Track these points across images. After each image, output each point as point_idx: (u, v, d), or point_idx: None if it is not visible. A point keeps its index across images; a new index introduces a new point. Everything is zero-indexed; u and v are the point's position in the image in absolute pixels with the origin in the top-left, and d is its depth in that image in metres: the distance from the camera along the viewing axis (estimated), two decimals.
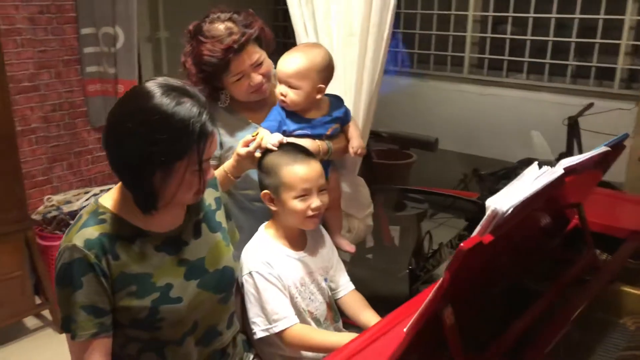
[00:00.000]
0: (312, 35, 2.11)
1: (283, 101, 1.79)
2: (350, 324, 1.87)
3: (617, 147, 1.41)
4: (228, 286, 1.49)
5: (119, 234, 1.30)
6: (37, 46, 3.15)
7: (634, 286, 1.45)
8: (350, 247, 2.00)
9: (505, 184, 2.48)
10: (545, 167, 1.17)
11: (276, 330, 1.58)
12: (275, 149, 1.66)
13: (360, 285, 1.87)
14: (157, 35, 3.55)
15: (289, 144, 1.70)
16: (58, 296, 1.29)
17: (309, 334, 1.61)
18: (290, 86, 1.77)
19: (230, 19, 1.74)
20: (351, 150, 1.91)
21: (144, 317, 1.31)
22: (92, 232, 1.27)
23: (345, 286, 1.82)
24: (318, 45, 1.86)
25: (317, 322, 1.71)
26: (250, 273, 1.61)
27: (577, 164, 1.20)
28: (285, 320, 1.59)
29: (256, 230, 1.77)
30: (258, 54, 1.77)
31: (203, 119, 1.23)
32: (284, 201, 1.63)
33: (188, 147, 1.23)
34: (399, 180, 3.37)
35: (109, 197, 1.35)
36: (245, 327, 1.69)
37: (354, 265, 3.07)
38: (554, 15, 4.13)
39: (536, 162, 1.18)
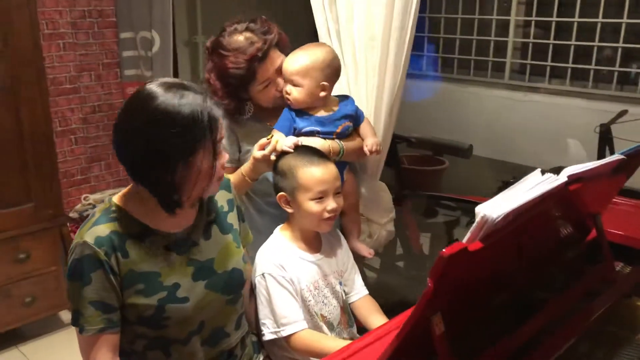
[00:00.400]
0: (334, 40, 2.11)
1: (288, 99, 1.80)
2: (365, 329, 1.85)
3: (634, 156, 1.35)
4: (236, 288, 1.49)
5: (129, 232, 1.32)
6: (78, 49, 3.27)
7: None
8: (369, 252, 1.99)
9: None
10: (547, 175, 1.13)
11: (284, 334, 1.59)
12: (291, 150, 1.67)
13: (389, 292, 1.85)
14: (194, 40, 3.63)
15: (304, 146, 1.71)
16: (69, 290, 1.33)
17: (316, 340, 1.60)
18: (294, 84, 1.78)
19: (247, 29, 1.76)
20: (365, 149, 1.89)
21: (150, 315, 1.33)
22: (103, 229, 1.30)
23: (358, 290, 1.80)
24: (322, 45, 1.87)
25: (331, 326, 1.71)
26: (262, 275, 1.62)
27: (582, 172, 1.15)
28: (293, 325, 1.59)
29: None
30: (280, 58, 1.79)
31: (208, 104, 1.26)
32: (300, 203, 1.63)
33: (202, 136, 1.25)
34: (430, 187, 3.32)
35: (122, 196, 1.37)
36: (257, 327, 1.70)
37: (384, 272, 3.06)
38: (600, 19, 4.00)
39: (539, 170, 1.14)
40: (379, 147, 1.91)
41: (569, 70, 4.21)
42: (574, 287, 1.34)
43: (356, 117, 1.91)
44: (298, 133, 1.80)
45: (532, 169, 3.20)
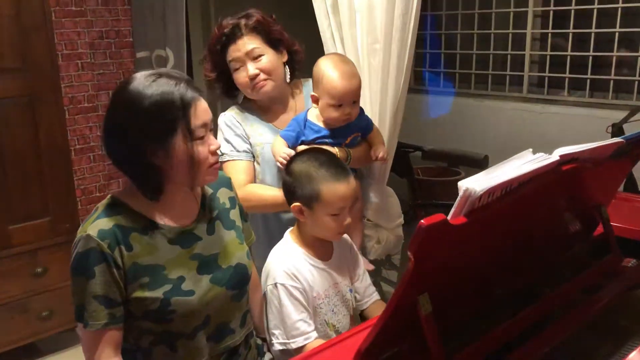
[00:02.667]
0: (338, 45, 2.12)
1: (349, 118, 1.81)
2: None
3: (636, 142, 1.31)
4: (241, 283, 1.48)
5: (132, 226, 1.32)
6: (96, 69, 3.36)
7: None
8: (369, 266, 1.95)
9: None
10: (539, 154, 1.10)
11: (294, 346, 1.55)
12: (281, 165, 1.69)
13: None
14: None
15: (323, 152, 1.67)
16: (72, 285, 1.32)
17: None
18: (355, 101, 1.80)
19: (244, 16, 1.82)
20: (373, 156, 1.89)
21: (155, 309, 1.32)
22: (106, 222, 1.30)
23: (370, 297, 1.77)
24: (343, 55, 1.88)
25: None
26: (275, 284, 1.57)
27: (576, 152, 1.12)
28: (304, 337, 1.55)
29: (277, 239, 1.77)
30: (257, 47, 1.81)
31: (181, 88, 1.26)
32: (316, 216, 1.58)
33: (174, 119, 1.25)
34: (444, 198, 3.27)
35: (125, 191, 1.39)
36: (263, 331, 1.68)
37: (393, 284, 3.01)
38: (617, 29, 3.95)
39: (530, 149, 1.12)
40: (386, 155, 1.90)
41: (588, 82, 4.16)
42: (576, 278, 1.29)
43: (366, 129, 1.91)
44: (307, 144, 1.80)
45: None
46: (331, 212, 1.57)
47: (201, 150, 1.31)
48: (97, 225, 1.30)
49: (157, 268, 1.34)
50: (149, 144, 1.27)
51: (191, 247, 1.40)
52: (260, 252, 1.78)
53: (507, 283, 1.27)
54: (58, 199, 2.81)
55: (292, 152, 1.70)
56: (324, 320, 1.64)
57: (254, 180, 1.89)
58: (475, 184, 0.95)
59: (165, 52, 3.28)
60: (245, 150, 1.88)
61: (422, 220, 0.88)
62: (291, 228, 1.73)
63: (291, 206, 1.62)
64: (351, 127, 1.85)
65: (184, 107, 1.26)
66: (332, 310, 1.66)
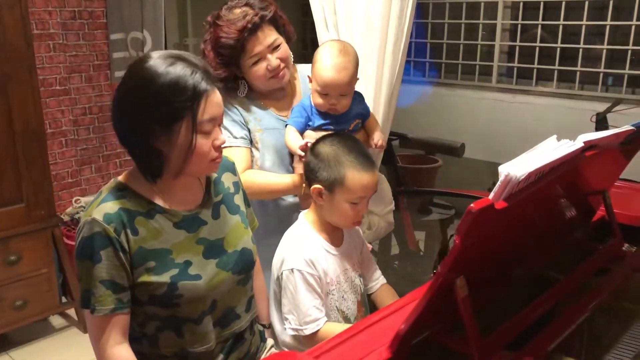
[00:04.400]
0: (332, 30, 2.11)
1: (335, 110, 1.79)
2: None
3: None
4: (247, 268, 1.48)
5: (137, 210, 1.30)
6: (68, 51, 3.24)
7: None
8: (367, 245, 1.97)
9: None
10: (564, 140, 1.13)
11: (306, 332, 1.55)
12: (302, 153, 1.67)
13: None
14: (185, 42, 3.62)
15: (351, 138, 1.66)
16: (78, 270, 1.30)
17: (334, 332, 1.56)
18: (344, 94, 1.78)
19: (246, 4, 1.77)
20: (372, 143, 1.89)
21: (162, 294, 1.31)
22: (112, 206, 1.28)
23: (377, 280, 1.78)
24: (347, 44, 1.83)
25: (348, 321, 1.68)
26: (292, 270, 1.56)
27: (597, 139, 1.16)
28: (316, 323, 1.55)
29: (275, 225, 1.77)
30: (274, 36, 1.78)
31: (196, 77, 1.23)
32: (336, 201, 1.57)
33: (183, 107, 1.23)
34: (424, 185, 3.33)
35: (128, 175, 1.36)
36: (271, 317, 1.69)
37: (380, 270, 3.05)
38: (584, 22, 4.08)
39: (554, 135, 1.15)
40: (384, 143, 1.91)
41: (556, 72, 4.29)
42: (587, 263, 1.34)
43: (365, 115, 1.91)
44: (312, 128, 1.80)
45: None
46: (351, 200, 1.56)
47: (204, 143, 1.29)
48: (102, 209, 1.27)
49: (164, 252, 1.32)
50: (154, 126, 1.24)
51: (197, 232, 1.38)
52: (258, 238, 1.77)
53: (524, 267, 1.30)
54: (33, 185, 2.71)
55: (310, 142, 1.68)
56: (335, 307, 1.65)
57: (251, 167, 1.87)
58: (515, 169, 0.96)
59: (143, 34, 3.20)
60: (243, 136, 1.86)
61: (472, 204, 0.89)
62: (305, 211, 1.72)
63: (311, 188, 1.61)
64: (353, 113, 1.86)
65: (194, 97, 1.23)
66: (342, 297, 1.66)
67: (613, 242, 1.47)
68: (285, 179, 1.82)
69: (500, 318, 1.16)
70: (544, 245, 1.40)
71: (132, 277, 1.30)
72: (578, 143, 1.12)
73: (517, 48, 4.47)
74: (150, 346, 1.39)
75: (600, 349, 1.20)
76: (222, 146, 1.60)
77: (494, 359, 1.03)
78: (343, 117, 1.84)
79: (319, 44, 2.16)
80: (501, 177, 0.97)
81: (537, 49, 4.35)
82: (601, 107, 3.86)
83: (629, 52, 3.92)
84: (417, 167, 3.49)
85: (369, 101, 2.05)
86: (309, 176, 1.63)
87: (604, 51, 4.04)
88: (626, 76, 3.98)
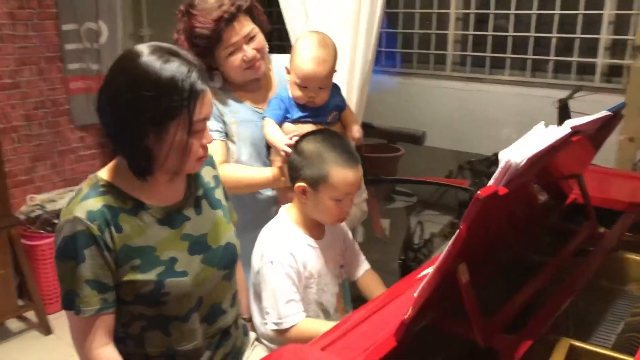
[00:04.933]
0: (303, 20, 2.09)
1: (314, 102, 1.77)
2: None
3: (616, 116, 1.42)
4: (231, 263, 1.46)
5: (121, 207, 1.27)
6: (17, 42, 3.09)
7: (637, 253, 1.45)
8: None
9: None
10: (551, 126, 1.16)
11: (285, 326, 1.55)
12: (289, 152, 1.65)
13: None
14: (140, 33, 3.51)
15: (335, 135, 1.65)
16: (60, 272, 1.25)
17: (312, 328, 1.55)
18: (323, 87, 1.76)
19: None
20: (350, 136, 1.90)
21: (148, 292, 1.27)
22: (94, 203, 1.23)
23: (361, 266, 1.78)
24: (326, 36, 1.81)
25: (327, 313, 1.68)
26: (272, 262, 1.55)
27: (582, 124, 1.19)
28: (293, 317, 1.55)
29: (252, 219, 1.75)
30: (250, 26, 1.75)
31: (192, 77, 1.20)
32: (320, 198, 1.56)
33: (178, 107, 1.19)
34: (388, 174, 3.36)
35: (108, 171, 1.32)
36: (251, 310, 1.67)
37: None
38: (534, 11, 4.19)
39: (542, 122, 1.17)
40: (362, 136, 1.91)
41: (508, 61, 4.40)
42: (569, 245, 1.38)
43: (342, 107, 1.91)
44: (291, 121, 1.78)
45: (479, 156, 3.28)
46: (335, 197, 1.55)
47: (195, 143, 1.26)
48: (84, 206, 1.23)
49: (148, 249, 1.28)
50: (147, 126, 1.20)
51: (181, 227, 1.35)
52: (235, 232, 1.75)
53: (507, 251, 1.33)
54: None
55: (293, 141, 1.67)
56: (314, 300, 1.65)
57: (227, 160, 1.84)
58: (515, 155, 0.98)
59: (97, 25, 3.09)
60: (218, 129, 1.82)
61: (478, 192, 0.91)
62: (286, 206, 1.71)
63: (295, 186, 1.59)
64: (331, 105, 1.85)
65: (190, 97, 1.20)
66: (322, 290, 1.66)
67: (588, 224, 1.52)
68: (263, 173, 1.80)
69: (490, 302, 1.19)
70: (525, 229, 1.43)
71: (117, 276, 1.26)
72: (566, 129, 1.15)
73: (471, 37, 4.55)
74: (135, 346, 1.36)
75: (587, 327, 1.25)
76: None
77: (495, 342, 1.04)
78: (321, 109, 1.83)
79: (290, 33, 2.15)
80: (502, 164, 0.98)
81: (490, 38, 4.44)
82: (555, 93, 4.00)
83: (577, 40, 4.06)
84: (381, 156, 3.52)
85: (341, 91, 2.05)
86: (292, 174, 1.62)
87: (553, 39, 4.17)
88: (575, 63, 4.12)
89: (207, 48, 1.73)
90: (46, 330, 2.95)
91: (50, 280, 3.09)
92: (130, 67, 1.19)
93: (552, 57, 4.19)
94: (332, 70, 1.78)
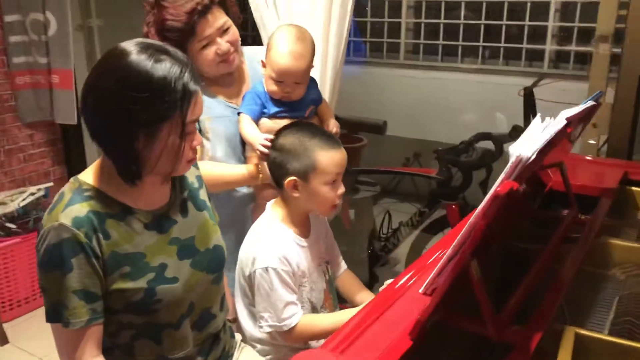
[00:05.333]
0: (272, 10, 2.04)
1: (290, 97, 1.74)
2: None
3: (596, 105, 1.45)
4: (220, 266, 1.43)
5: (107, 212, 1.21)
6: None
7: (617, 238, 1.49)
8: None
9: (466, 158, 2.52)
10: (548, 119, 1.17)
11: (286, 328, 1.53)
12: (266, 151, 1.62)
13: None
14: (89, 24, 3.36)
15: (308, 124, 1.65)
16: (44, 283, 1.19)
17: (311, 323, 1.57)
18: (300, 82, 1.73)
19: None
20: (327, 129, 1.88)
21: (139, 300, 1.23)
22: (80, 209, 1.17)
23: (340, 266, 1.79)
24: (304, 30, 1.77)
25: (315, 310, 1.67)
26: (266, 268, 1.52)
27: (575, 114, 1.21)
28: (293, 317, 1.53)
29: (228, 217, 1.71)
30: (224, 19, 1.71)
31: (185, 77, 1.15)
32: (313, 187, 1.54)
33: (171, 108, 1.14)
34: (352, 164, 3.35)
35: (89, 174, 1.25)
36: (238, 313, 1.65)
37: None
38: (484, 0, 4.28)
39: (539, 115, 1.18)
40: (339, 129, 1.89)
41: (460, 48, 4.47)
42: (559, 233, 1.40)
43: (318, 101, 1.88)
44: (267, 116, 1.76)
45: (438, 144, 3.31)
46: (328, 181, 1.54)
47: (185, 146, 1.22)
48: (69, 212, 1.16)
49: (138, 256, 1.24)
50: (138, 128, 1.15)
51: (168, 232, 1.31)
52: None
53: (499, 241, 1.35)
54: None
55: (271, 137, 1.63)
56: (307, 298, 1.64)
57: (202, 157, 1.79)
58: (525, 149, 0.98)
59: (45, 16, 2.92)
60: None
61: (498, 188, 0.90)
62: (272, 203, 1.67)
63: (285, 182, 1.57)
64: (308, 99, 1.83)
65: (184, 98, 1.15)
66: (312, 287, 1.65)
67: (570, 211, 1.55)
68: (240, 170, 1.76)
69: (490, 293, 1.20)
70: (510, 219, 1.45)
71: (105, 285, 1.20)
72: (562, 120, 1.17)
73: (423, 25, 4.60)
74: (123, 357, 1.31)
75: (580, 314, 1.27)
76: None
77: (506, 335, 1.05)
78: (298, 103, 1.80)
79: (258, 24, 2.09)
80: (512, 158, 0.98)
81: (442, 25, 4.50)
82: (502, 80, 4.10)
83: (525, 27, 4.17)
84: (346, 147, 3.51)
85: None
86: (277, 172, 1.59)
87: (503, 27, 4.26)
88: (524, 50, 4.23)
89: (179, 41, 1.66)
90: (2, 339, 2.80)
91: (4, 286, 2.93)
92: (119, 67, 1.13)
93: (502, 45, 4.30)
94: (310, 66, 1.75)
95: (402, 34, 4.67)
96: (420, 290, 1.16)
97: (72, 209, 1.17)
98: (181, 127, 1.17)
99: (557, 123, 1.15)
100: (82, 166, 3.47)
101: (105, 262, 1.19)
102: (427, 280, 1.16)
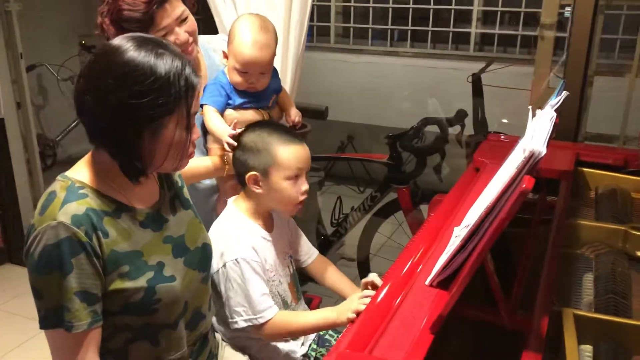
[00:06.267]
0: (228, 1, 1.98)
1: (255, 87, 1.72)
2: (308, 297, 1.86)
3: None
4: (208, 264, 1.43)
5: (104, 210, 1.17)
6: None
7: (583, 219, 1.59)
8: None
9: (419, 143, 2.58)
10: (539, 112, 1.22)
11: (261, 321, 1.53)
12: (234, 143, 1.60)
13: None
14: (7, 8, 3.11)
15: (270, 122, 1.66)
16: (40, 286, 1.12)
17: (288, 320, 1.57)
18: (264, 72, 1.71)
19: None
20: (289, 120, 1.88)
21: (139, 300, 1.20)
22: (78, 207, 1.13)
23: (310, 253, 1.80)
24: (266, 20, 1.74)
25: (285, 304, 1.68)
26: (236, 260, 1.52)
27: (557, 105, 1.27)
28: (269, 310, 1.53)
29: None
30: (182, 8, 1.65)
31: (187, 71, 1.15)
32: (274, 183, 1.55)
33: (176, 102, 1.13)
34: None
35: (80, 172, 1.20)
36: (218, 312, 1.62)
37: None
38: None
39: (529, 107, 1.23)
40: (301, 118, 1.89)
41: (389, 32, 4.55)
42: (537, 215, 1.47)
43: (280, 89, 1.87)
44: (234, 108, 1.73)
45: (378, 127, 3.39)
46: (288, 175, 1.55)
47: (188, 138, 1.21)
48: (67, 210, 1.12)
49: (136, 254, 1.21)
50: (139, 123, 1.12)
51: (162, 230, 1.29)
52: None
53: None
54: None
55: (237, 133, 1.62)
56: (277, 292, 1.64)
57: None
58: (537, 145, 1.02)
59: None
60: None
61: (524, 185, 0.93)
62: (233, 199, 1.66)
63: (246, 177, 1.57)
64: (271, 89, 1.82)
65: (187, 92, 1.14)
66: (279, 281, 1.67)
67: (540, 194, 1.63)
68: (204, 162, 1.73)
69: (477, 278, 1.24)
70: None
71: (104, 286, 1.17)
72: (551, 112, 1.22)
73: (352, 9, 4.64)
74: None
75: (561, 294, 1.34)
76: None
77: (517, 322, 1.10)
78: (262, 93, 1.80)
79: (215, 15, 2.03)
80: (525, 154, 1.02)
81: (371, 9, 4.55)
82: (430, 63, 4.22)
83: (452, 11, 4.31)
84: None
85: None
86: (241, 170, 1.60)
87: (431, 10, 4.37)
88: (451, 34, 4.37)
89: (137, 31, 1.59)
90: None
91: None
92: (120, 63, 1.09)
93: (430, 28, 4.42)
94: (274, 55, 1.74)
95: (331, 18, 4.69)
96: (426, 282, 1.19)
97: (69, 207, 1.12)
98: (186, 120, 1.16)
99: (549, 115, 1.20)
100: (6, 163, 3.25)
101: (105, 261, 1.16)
102: (433, 273, 1.19)
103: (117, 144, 1.14)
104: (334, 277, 1.77)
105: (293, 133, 1.64)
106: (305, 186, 1.59)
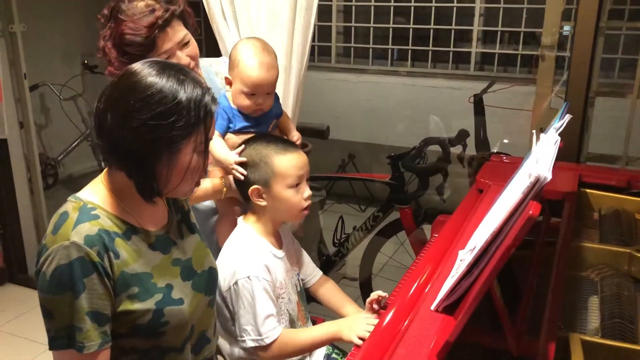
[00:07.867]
0: (231, 23, 2.00)
1: (262, 109, 1.73)
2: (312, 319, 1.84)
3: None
4: (214, 288, 1.42)
5: (115, 231, 1.18)
6: None
7: (588, 241, 1.58)
8: None
9: (421, 164, 2.58)
10: (542, 136, 1.22)
11: (267, 341, 1.52)
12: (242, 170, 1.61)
13: None
14: (12, 29, 3.13)
15: (266, 135, 1.67)
16: (52, 307, 1.12)
17: (290, 339, 1.56)
18: (269, 92, 1.73)
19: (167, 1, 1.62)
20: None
21: (147, 322, 1.19)
22: (90, 227, 1.13)
23: (314, 273, 1.80)
24: (265, 42, 1.76)
25: (292, 321, 1.67)
26: (248, 277, 1.52)
27: (560, 129, 1.27)
28: (275, 330, 1.53)
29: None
30: (184, 32, 1.67)
31: (207, 99, 1.16)
32: (276, 193, 1.57)
33: (195, 127, 1.15)
34: None
35: (91, 193, 1.21)
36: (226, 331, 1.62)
37: None
38: (413, 4, 4.39)
39: (533, 131, 1.23)
40: (301, 141, 1.90)
41: (390, 52, 4.58)
42: (541, 238, 1.47)
43: (280, 113, 1.88)
44: (234, 132, 1.75)
45: (380, 147, 3.41)
46: (289, 184, 1.57)
47: (203, 163, 1.23)
48: (80, 231, 1.12)
49: (145, 276, 1.21)
50: (159, 145, 1.14)
51: (170, 252, 1.30)
52: None
53: None
54: None
55: (244, 159, 1.63)
56: (286, 310, 1.64)
57: None
58: (542, 170, 1.02)
59: None
60: None
61: (530, 211, 0.93)
62: (243, 217, 1.66)
63: (249, 191, 1.59)
64: (273, 113, 1.83)
65: (206, 117, 1.17)
66: (288, 299, 1.67)
67: (544, 216, 1.63)
68: (204, 184, 1.73)
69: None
70: None
71: (114, 307, 1.16)
72: (555, 136, 1.22)
73: (353, 29, 4.67)
74: None
75: (569, 318, 1.33)
76: None
77: (523, 347, 1.09)
78: (263, 118, 1.81)
79: (218, 38, 2.05)
80: (531, 179, 1.02)
81: (372, 29, 4.59)
82: (430, 82, 4.24)
83: (452, 31, 4.33)
84: None
85: (278, 96, 2.00)
86: (242, 186, 1.62)
87: (431, 31, 4.40)
88: (452, 53, 4.39)
89: (139, 56, 1.61)
90: None
91: None
92: (143, 85, 1.11)
93: (430, 48, 4.44)
94: (278, 75, 1.75)
95: (332, 38, 4.72)
96: (432, 308, 1.19)
97: (83, 227, 1.13)
98: (203, 145, 1.18)
99: (554, 140, 1.20)
100: (8, 182, 3.25)
101: (116, 282, 1.16)
102: (439, 298, 1.18)
103: (135, 165, 1.15)
104: (337, 298, 1.76)
105: (289, 141, 1.66)
106: (307, 192, 1.60)
